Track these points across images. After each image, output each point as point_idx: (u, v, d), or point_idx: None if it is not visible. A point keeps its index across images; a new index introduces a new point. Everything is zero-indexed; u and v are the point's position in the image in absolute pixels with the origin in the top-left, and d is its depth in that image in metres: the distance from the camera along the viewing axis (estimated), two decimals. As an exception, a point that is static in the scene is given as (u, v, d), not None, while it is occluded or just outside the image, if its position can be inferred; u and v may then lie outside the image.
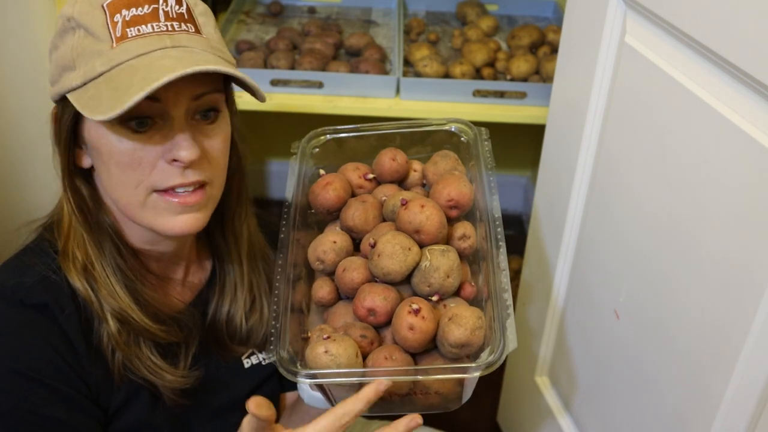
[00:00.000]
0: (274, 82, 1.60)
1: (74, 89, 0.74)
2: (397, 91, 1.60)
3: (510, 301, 0.73)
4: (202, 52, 0.75)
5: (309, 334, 0.79)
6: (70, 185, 0.81)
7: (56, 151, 0.80)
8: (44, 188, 1.34)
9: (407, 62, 1.69)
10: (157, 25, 0.74)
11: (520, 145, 2.31)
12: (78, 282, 0.81)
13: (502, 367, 1.63)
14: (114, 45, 0.72)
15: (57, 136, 0.80)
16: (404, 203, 0.80)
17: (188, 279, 0.93)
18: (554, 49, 1.71)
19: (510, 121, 1.60)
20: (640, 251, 0.98)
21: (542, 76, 1.63)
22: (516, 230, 2.31)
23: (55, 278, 0.81)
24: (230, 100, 0.84)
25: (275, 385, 1.02)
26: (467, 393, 0.76)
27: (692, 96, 0.83)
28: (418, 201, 0.79)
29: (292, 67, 1.64)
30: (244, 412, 0.97)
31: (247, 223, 0.95)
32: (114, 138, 0.75)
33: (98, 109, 0.70)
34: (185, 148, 0.75)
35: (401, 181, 0.92)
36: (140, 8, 0.73)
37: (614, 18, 0.99)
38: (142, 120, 0.74)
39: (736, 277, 0.79)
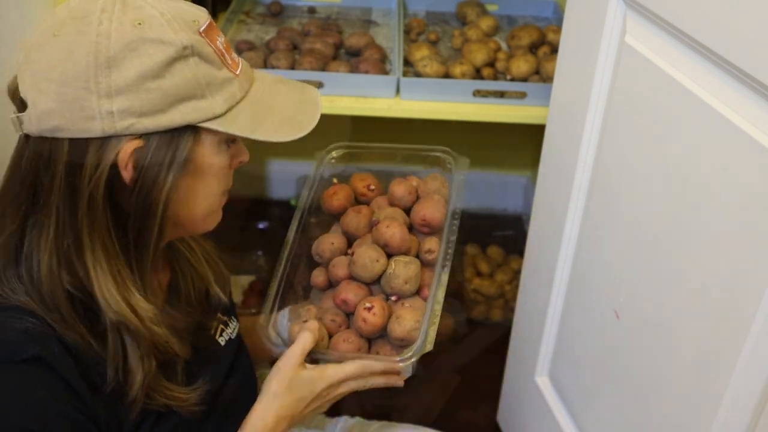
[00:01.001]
0: (274, 82, 1.60)
1: (218, 116, 0.77)
2: (397, 91, 1.60)
3: (439, 312, 0.93)
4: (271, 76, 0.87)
5: (300, 310, 1.01)
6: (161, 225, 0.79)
7: (125, 196, 0.76)
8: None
9: (407, 62, 1.69)
10: (235, 56, 0.82)
11: (520, 145, 2.31)
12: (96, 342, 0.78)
13: (502, 367, 1.63)
14: (236, 72, 0.79)
15: (153, 172, 0.75)
16: (375, 223, 1.02)
17: (158, 274, 0.93)
18: (554, 49, 1.70)
19: (510, 121, 1.60)
20: (641, 251, 0.98)
21: (542, 76, 1.63)
22: (516, 230, 2.31)
23: (37, 328, 0.76)
24: None
25: (245, 346, 1.04)
26: (407, 372, 0.95)
27: (692, 96, 0.83)
28: (386, 222, 1.00)
29: (292, 67, 1.64)
30: (230, 390, 0.96)
31: None
32: (224, 153, 0.81)
33: (282, 132, 0.81)
34: (247, 151, 0.86)
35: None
36: (221, 37, 0.80)
37: (614, 18, 0.99)
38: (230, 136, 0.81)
39: (736, 277, 0.79)
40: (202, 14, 0.79)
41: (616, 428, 1.11)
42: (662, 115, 0.90)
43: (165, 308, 0.88)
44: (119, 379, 0.79)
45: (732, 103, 0.77)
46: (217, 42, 0.78)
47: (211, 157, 0.80)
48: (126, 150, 0.73)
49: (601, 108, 1.05)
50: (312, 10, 2.00)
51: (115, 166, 0.74)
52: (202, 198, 0.82)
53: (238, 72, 0.80)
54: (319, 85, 1.60)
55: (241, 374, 1.01)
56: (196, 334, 0.92)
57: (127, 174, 0.74)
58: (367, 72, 1.62)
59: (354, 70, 1.64)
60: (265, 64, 1.65)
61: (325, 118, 1.90)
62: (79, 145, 0.73)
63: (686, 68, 0.84)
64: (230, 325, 1.01)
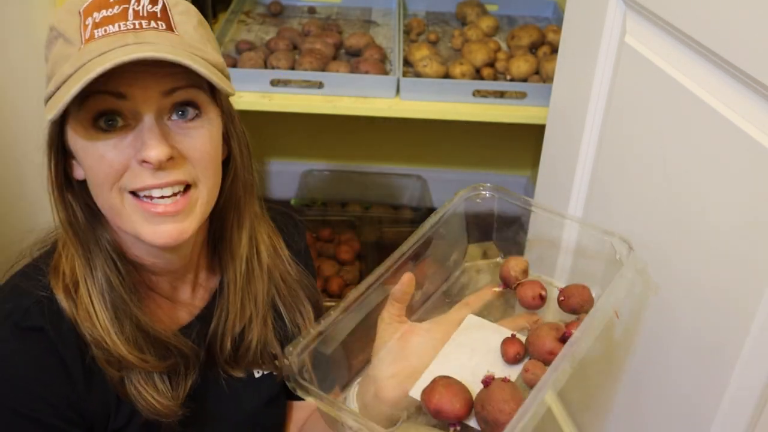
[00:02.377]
0: (274, 82, 1.60)
1: (50, 96, 0.73)
2: (397, 91, 1.60)
3: None
4: (170, 47, 0.72)
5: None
6: (60, 198, 0.80)
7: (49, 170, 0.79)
8: (40, 195, 1.34)
9: (407, 62, 1.69)
10: (123, 24, 0.72)
11: (520, 145, 2.31)
12: (64, 301, 0.79)
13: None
14: (81, 47, 0.72)
15: (47, 150, 0.78)
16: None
17: (195, 296, 0.91)
18: (554, 49, 1.71)
19: (510, 121, 1.60)
20: (640, 251, 0.98)
21: (542, 76, 1.63)
22: (516, 230, 2.31)
23: (50, 300, 0.79)
24: (218, 99, 0.80)
25: (284, 394, 1.00)
26: None
27: (692, 96, 0.83)
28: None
29: (292, 67, 1.64)
30: (257, 425, 0.93)
31: (250, 236, 0.89)
32: (87, 141, 0.74)
33: (53, 111, 0.70)
34: (152, 147, 0.72)
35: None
36: (110, 9, 0.72)
37: (614, 18, 0.99)
38: (110, 117, 0.73)
39: (736, 277, 0.79)
40: None
41: (616, 426, 1.11)
42: (662, 115, 0.90)
43: (190, 323, 0.88)
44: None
45: (732, 103, 0.77)
46: (89, 18, 0.72)
47: (76, 142, 0.75)
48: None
49: (601, 108, 1.05)
50: (312, 10, 2.00)
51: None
52: (93, 189, 0.78)
53: (82, 46, 0.71)
54: (320, 85, 1.60)
55: (263, 419, 0.96)
56: (211, 364, 0.90)
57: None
58: (367, 72, 1.62)
59: (354, 70, 1.64)
60: (265, 64, 1.65)
61: (325, 118, 1.90)
62: None
63: (686, 68, 0.84)
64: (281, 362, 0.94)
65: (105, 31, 0.71)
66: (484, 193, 0.99)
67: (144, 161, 0.73)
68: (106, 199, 0.76)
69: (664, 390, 0.96)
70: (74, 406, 0.79)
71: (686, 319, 0.89)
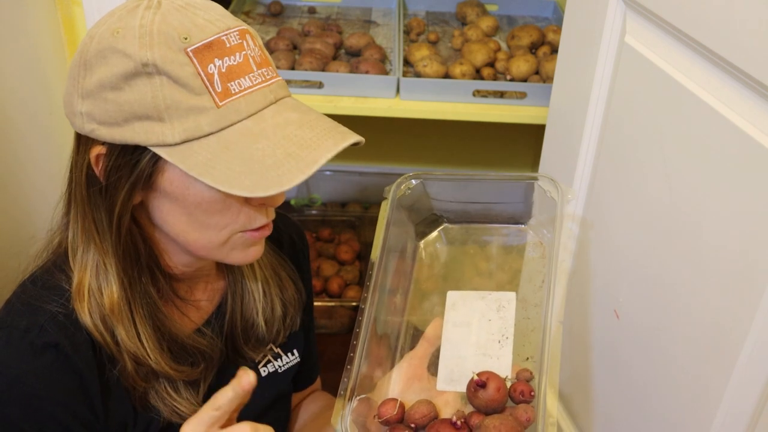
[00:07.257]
0: (274, 82, 1.60)
1: (169, 145, 0.70)
2: (397, 91, 1.60)
3: None
4: (298, 102, 0.74)
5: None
6: (122, 226, 0.76)
7: (101, 194, 0.75)
8: (42, 195, 1.34)
9: (407, 62, 1.69)
10: (253, 77, 0.71)
11: (520, 145, 2.31)
12: (90, 322, 0.78)
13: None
14: (219, 102, 0.69)
15: (114, 180, 0.73)
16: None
17: (209, 291, 0.91)
18: (554, 49, 1.71)
19: (510, 121, 1.60)
20: (640, 251, 0.98)
21: (542, 76, 1.64)
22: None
23: (68, 315, 0.78)
24: None
25: (290, 390, 1.01)
26: None
27: (692, 96, 0.83)
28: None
29: (292, 67, 1.64)
30: (266, 420, 0.95)
31: None
32: (204, 188, 0.72)
33: (236, 182, 0.68)
34: (282, 195, 0.76)
35: None
36: (232, 57, 0.70)
37: (614, 18, 0.99)
38: None
39: (735, 277, 0.79)
40: (210, 30, 0.70)
41: (615, 427, 1.11)
42: (662, 115, 0.90)
43: (199, 328, 0.88)
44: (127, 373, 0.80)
45: (732, 103, 0.77)
46: (210, 66, 0.69)
47: (181, 186, 0.73)
48: (92, 153, 0.74)
49: (601, 108, 1.05)
50: (312, 10, 2.00)
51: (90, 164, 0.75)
52: (191, 227, 0.76)
53: (222, 103, 0.69)
54: (320, 85, 1.60)
55: (269, 418, 0.96)
56: (234, 356, 0.91)
57: (99, 174, 0.75)
58: (367, 72, 1.62)
59: (354, 70, 1.64)
60: (265, 64, 1.65)
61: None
62: (76, 136, 0.76)
63: (686, 68, 0.84)
64: (282, 358, 0.97)
65: (239, 85, 0.70)
66: (410, 182, 1.03)
67: (263, 204, 0.76)
68: (208, 237, 0.76)
69: (664, 389, 0.96)
70: (88, 424, 0.79)
71: (686, 318, 0.89)
